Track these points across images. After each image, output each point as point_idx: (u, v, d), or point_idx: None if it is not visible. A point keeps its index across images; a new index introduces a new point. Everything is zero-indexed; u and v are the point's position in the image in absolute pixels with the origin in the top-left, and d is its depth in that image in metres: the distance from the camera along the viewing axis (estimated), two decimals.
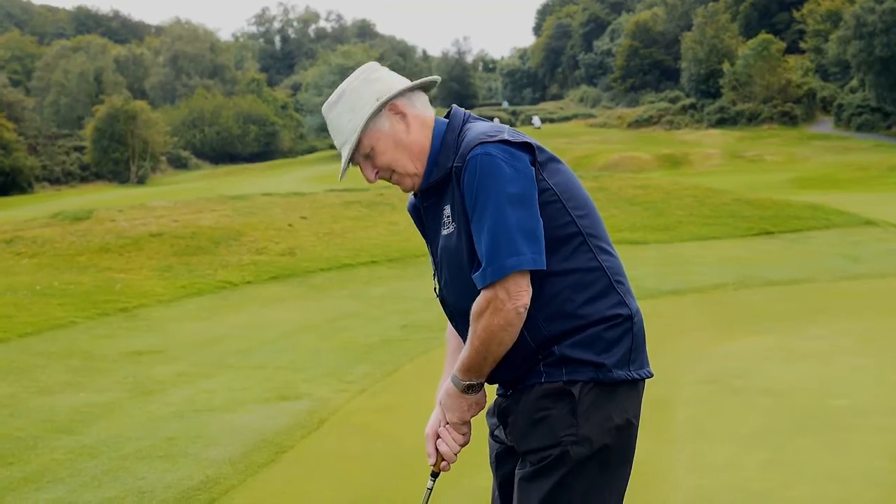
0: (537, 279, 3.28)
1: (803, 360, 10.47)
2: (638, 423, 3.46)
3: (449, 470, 3.62)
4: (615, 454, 3.35)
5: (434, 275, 3.65)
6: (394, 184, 3.51)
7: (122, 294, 16.24)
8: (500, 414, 3.54)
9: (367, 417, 8.96)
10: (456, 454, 3.58)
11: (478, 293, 3.28)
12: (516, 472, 3.45)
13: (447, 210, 3.40)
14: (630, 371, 3.40)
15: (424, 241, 3.73)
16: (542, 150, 3.41)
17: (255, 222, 22.53)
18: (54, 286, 16.52)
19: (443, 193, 3.43)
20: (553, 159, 3.46)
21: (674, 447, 7.39)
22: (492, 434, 3.70)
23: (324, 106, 3.56)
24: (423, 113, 3.51)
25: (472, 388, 3.42)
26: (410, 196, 3.68)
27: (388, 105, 3.45)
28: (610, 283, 3.42)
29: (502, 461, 3.64)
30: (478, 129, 3.43)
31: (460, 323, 3.52)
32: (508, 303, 3.21)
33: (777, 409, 8.43)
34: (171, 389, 10.35)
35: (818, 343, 11.39)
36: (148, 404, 9.69)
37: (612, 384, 3.34)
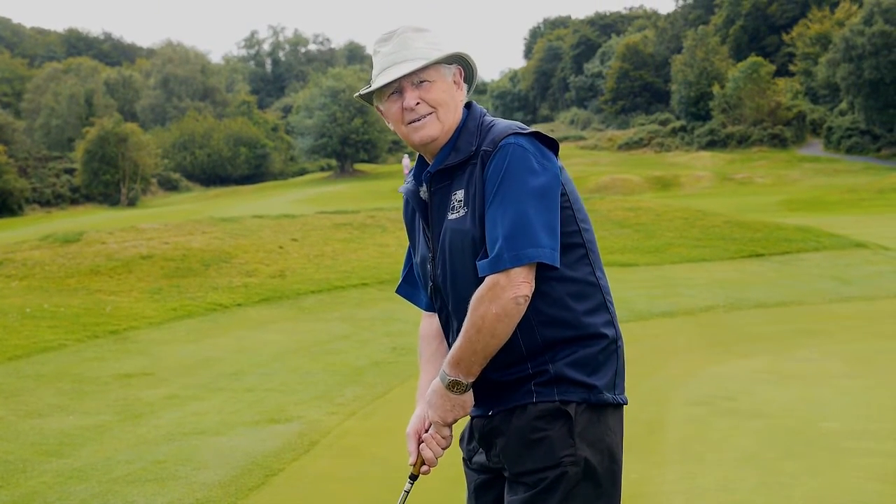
0: (540, 280, 3.29)
1: (793, 382, 10.48)
2: (622, 445, 3.46)
3: (429, 474, 3.57)
4: (608, 475, 3.35)
5: (423, 266, 3.63)
6: (412, 128, 3.47)
7: (112, 316, 16.19)
8: (485, 436, 3.49)
9: (358, 440, 8.94)
10: (437, 458, 3.53)
11: (478, 281, 3.28)
12: (507, 499, 3.41)
13: (459, 194, 3.40)
14: (615, 395, 3.41)
15: (409, 231, 3.74)
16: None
17: (245, 244, 22.50)
18: (44, 309, 16.48)
19: (455, 178, 3.44)
20: (562, 167, 3.50)
21: (664, 469, 7.38)
22: (468, 462, 3.65)
23: (394, 30, 3.54)
24: (463, 99, 3.58)
25: (457, 386, 3.35)
26: (408, 181, 3.67)
27: (458, 67, 3.54)
28: (603, 302, 3.47)
29: (483, 493, 3.59)
30: (505, 121, 3.48)
31: (452, 311, 3.49)
32: (509, 291, 3.21)
33: (767, 431, 8.43)
34: (160, 412, 10.32)
35: (808, 365, 11.41)
36: (137, 427, 9.66)
37: (602, 406, 3.36)
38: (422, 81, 3.42)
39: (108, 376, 12.41)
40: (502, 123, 3.45)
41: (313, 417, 9.77)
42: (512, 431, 3.36)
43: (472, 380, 3.36)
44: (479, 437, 3.54)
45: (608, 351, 3.40)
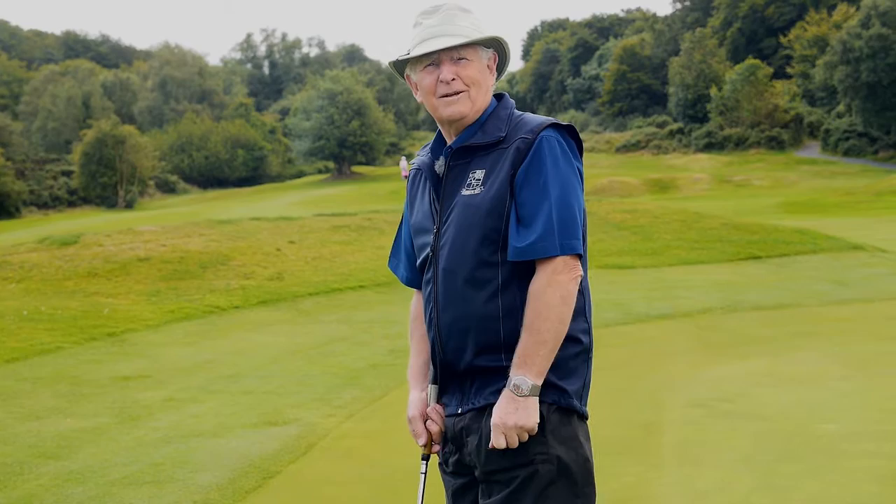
0: (530, 274, 3.34)
1: (791, 384, 10.48)
2: (592, 455, 3.47)
3: (440, 452, 3.58)
4: (582, 474, 3.36)
5: (420, 237, 3.65)
6: (443, 101, 3.51)
7: (109, 319, 16.19)
8: (457, 435, 3.50)
9: (356, 442, 8.94)
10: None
11: (477, 257, 3.35)
12: (481, 502, 3.43)
13: (479, 173, 3.45)
14: (581, 405, 3.44)
15: (410, 205, 3.77)
16: None
17: (243, 247, 22.50)
18: (41, 311, 16.47)
19: (475, 158, 3.49)
20: None
21: (661, 471, 7.38)
22: (444, 466, 3.65)
23: (439, 5, 3.58)
24: (493, 85, 3.64)
25: (518, 388, 3.28)
26: (422, 154, 3.73)
27: (494, 52, 3.61)
28: (584, 308, 3.48)
29: (460, 497, 3.60)
30: (535, 115, 3.55)
31: (441, 282, 3.49)
32: (567, 273, 3.29)
33: (765, 433, 8.43)
34: (158, 414, 10.32)
35: (806, 367, 11.40)
36: (135, 429, 9.65)
37: (570, 411, 3.38)
38: (461, 58, 3.49)
39: (106, 379, 12.41)
40: (536, 116, 3.53)
41: (311, 420, 9.77)
42: (484, 430, 3.37)
43: (539, 381, 3.29)
44: (451, 436, 3.54)
45: (581, 359, 3.44)
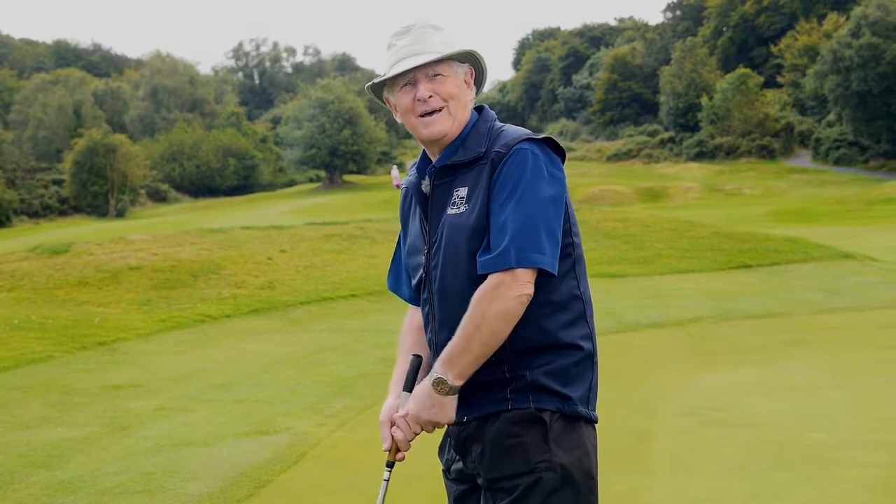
0: None
1: (782, 393, 10.49)
2: (597, 463, 3.48)
3: (404, 460, 3.57)
4: (585, 482, 3.37)
5: (414, 257, 3.66)
6: (422, 122, 3.51)
7: (100, 328, 16.16)
8: (460, 443, 3.51)
9: (347, 451, 8.93)
10: (409, 442, 3.54)
11: (470, 277, 3.32)
12: None
13: (462, 191, 3.44)
14: (588, 410, 3.45)
15: (403, 224, 3.77)
16: None
17: (234, 256, 22.48)
18: (32, 320, 16.44)
19: (459, 175, 3.48)
20: None
21: (653, 480, 7.39)
22: (447, 472, 3.67)
23: (411, 25, 3.59)
24: (472, 100, 3.63)
25: (441, 385, 3.35)
26: (411, 174, 3.72)
27: (470, 67, 3.60)
28: (584, 313, 3.50)
29: (463, 503, 3.62)
30: (515, 127, 3.53)
31: (437, 304, 3.50)
32: (514, 289, 3.24)
33: (757, 442, 8.44)
34: (149, 424, 10.30)
35: (797, 376, 11.42)
36: (126, 439, 9.63)
37: (575, 418, 3.38)
38: (436, 75, 3.48)
39: (97, 388, 12.38)
40: (514, 128, 3.51)
41: (302, 429, 9.76)
42: (487, 438, 3.38)
43: (459, 383, 3.35)
44: (454, 444, 3.56)
45: (584, 364, 3.44)
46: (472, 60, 3.60)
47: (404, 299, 3.89)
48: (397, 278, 3.92)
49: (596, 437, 3.51)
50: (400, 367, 3.71)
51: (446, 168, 3.50)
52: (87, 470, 8.44)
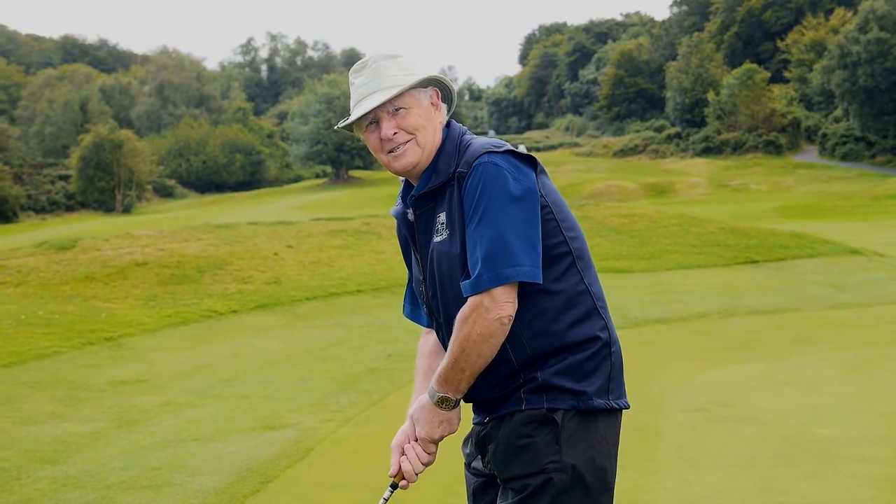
0: (526, 295, 3.31)
1: (788, 388, 10.48)
2: (617, 451, 3.47)
3: (407, 488, 3.57)
4: (597, 482, 3.35)
5: (418, 286, 3.66)
6: (392, 157, 3.49)
7: (106, 323, 16.17)
8: (479, 442, 3.54)
9: (353, 447, 8.93)
10: (417, 474, 3.53)
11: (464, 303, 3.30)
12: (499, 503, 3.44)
13: (442, 217, 3.41)
14: (609, 400, 3.41)
15: (404, 251, 3.76)
16: (540, 165, 3.47)
17: (240, 251, 22.50)
18: (39, 315, 16.46)
19: (437, 200, 3.45)
20: (547, 176, 3.50)
21: (659, 476, 7.38)
22: (468, 466, 3.68)
23: (366, 60, 3.55)
24: (442, 120, 3.59)
25: (445, 402, 3.39)
26: (398, 203, 3.69)
27: (434, 88, 3.55)
28: (594, 307, 3.46)
29: (480, 496, 3.63)
30: (481, 140, 3.48)
31: (446, 331, 3.49)
32: (493, 311, 3.23)
33: (763, 437, 8.43)
34: (155, 419, 10.30)
35: (803, 372, 11.41)
36: (132, 434, 9.64)
37: (593, 412, 3.36)
38: (398, 109, 3.45)
39: (103, 383, 12.39)
40: (478, 142, 3.46)
41: (308, 424, 9.76)
42: (501, 438, 3.39)
43: (459, 396, 3.40)
44: (474, 443, 3.58)
45: (599, 356, 3.40)
46: (434, 82, 3.55)
47: (424, 325, 3.86)
48: (414, 304, 3.89)
49: (618, 425, 3.48)
50: (418, 391, 3.69)
51: (424, 196, 3.48)
52: (93, 465, 8.45)
